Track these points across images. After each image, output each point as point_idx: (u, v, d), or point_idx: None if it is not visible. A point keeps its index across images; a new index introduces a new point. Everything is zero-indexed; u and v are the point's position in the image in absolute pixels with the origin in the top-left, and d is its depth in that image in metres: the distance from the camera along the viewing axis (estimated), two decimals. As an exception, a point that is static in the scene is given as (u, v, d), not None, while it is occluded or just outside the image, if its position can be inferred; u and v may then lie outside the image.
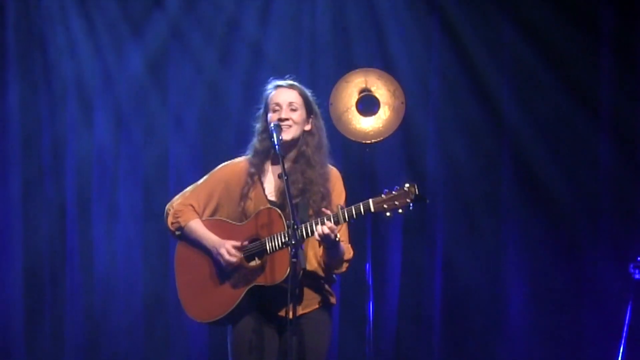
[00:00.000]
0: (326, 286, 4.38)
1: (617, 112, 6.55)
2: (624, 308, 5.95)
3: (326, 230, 4.10)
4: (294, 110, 4.38)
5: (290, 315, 4.03)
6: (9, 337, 6.67)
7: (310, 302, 4.30)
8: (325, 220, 4.12)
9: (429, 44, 6.69)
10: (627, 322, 5.94)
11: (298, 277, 4.11)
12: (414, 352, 6.63)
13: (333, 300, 4.41)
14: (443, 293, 6.64)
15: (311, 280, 4.27)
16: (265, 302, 4.32)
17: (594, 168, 6.57)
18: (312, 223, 4.19)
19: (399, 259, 6.64)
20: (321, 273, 4.35)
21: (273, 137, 4.27)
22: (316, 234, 4.15)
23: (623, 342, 5.94)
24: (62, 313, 6.72)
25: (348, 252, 4.32)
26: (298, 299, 4.17)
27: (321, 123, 4.49)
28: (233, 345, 4.38)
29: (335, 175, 4.47)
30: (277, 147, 4.22)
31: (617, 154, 6.54)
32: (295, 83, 4.49)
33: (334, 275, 4.42)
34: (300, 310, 4.20)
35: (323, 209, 4.20)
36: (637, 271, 5.92)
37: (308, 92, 4.48)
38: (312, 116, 4.46)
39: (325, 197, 4.35)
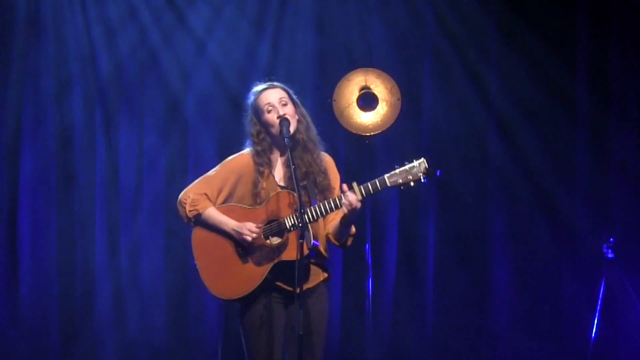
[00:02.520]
0: (324, 264, 4.54)
1: (592, 101, 6.69)
2: (598, 283, 6.24)
3: (354, 200, 4.23)
4: (284, 105, 4.50)
5: (298, 290, 4.22)
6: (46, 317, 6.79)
7: (313, 277, 4.47)
8: (349, 194, 4.25)
9: (422, 45, 6.83)
10: (600, 296, 6.21)
11: (305, 255, 4.27)
12: (409, 324, 6.77)
13: (329, 276, 4.56)
14: (435, 272, 6.77)
15: (315, 258, 4.45)
16: (281, 279, 4.44)
17: (572, 160, 6.71)
18: (335, 199, 4.32)
19: (395, 241, 6.78)
20: (323, 252, 4.50)
21: (282, 131, 4.40)
22: (344, 206, 4.26)
23: (597, 314, 6.22)
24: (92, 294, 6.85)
25: (353, 228, 4.47)
26: (305, 276, 4.37)
27: (304, 110, 4.60)
28: (246, 321, 4.51)
29: (329, 161, 4.61)
30: (286, 139, 4.38)
31: (592, 146, 6.70)
32: (275, 82, 4.59)
33: (326, 254, 4.55)
34: (305, 285, 4.39)
35: (343, 185, 4.32)
36: (609, 251, 6.20)
37: (288, 87, 4.59)
38: (298, 107, 4.57)
39: (325, 175, 4.51)
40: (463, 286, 6.76)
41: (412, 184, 4.26)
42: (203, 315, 6.78)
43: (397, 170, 4.28)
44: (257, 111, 4.54)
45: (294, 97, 4.58)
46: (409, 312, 6.81)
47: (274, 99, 4.51)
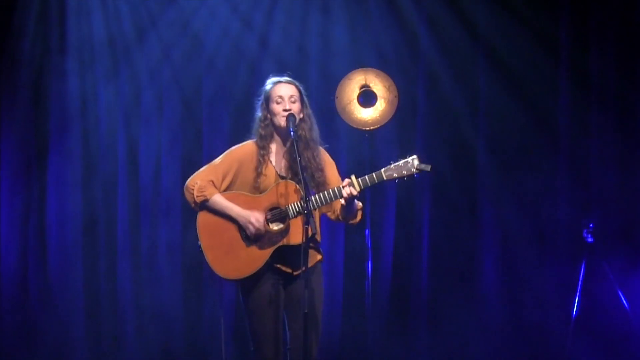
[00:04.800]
0: (318, 247, 4.76)
1: (574, 97, 6.81)
2: (579, 266, 6.44)
3: (354, 192, 4.48)
4: (293, 102, 4.71)
5: (301, 270, 4.44)
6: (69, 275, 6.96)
7: (311, 259, 4.63)
8: (348, 186, 4.48)
9: (417, 49, 6.97)
10: (581, 277, 6.40)
11: (315, 241, 4.57)
12: (405, 303, 6.93)
13: (322, 257, 4.79)
14: (429, 255, 6.91)
15: (312, 242, 4.64)
16: (281, 262, 4.66)
17: (555, 152, 6.84)
18: (334, 190, 4.53)
19: (393, 227, 6.93)
20: (317, 237, 4.70)
21: (289, 125, 4.63)
22: (344, 195, 4.49)
23: (578, 294, 6.40)
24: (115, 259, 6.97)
25: (358, 204, 4.72)
26: (305, 258, 4.48)
27: (310, 111, 4.79)
28: (251, 302, 4.68)
29: (328, 160, 4.83)
30: (292, 132, 4.61)
31: (573, 140, 6.81)
32: (292, 79, 4.79)
33: (319, 238, 4.75)
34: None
35: (345, 179, 4.53)
36: (589, 236, 6.40)
37: (301, 87, 4.80)
38: (305, 106, 4.77)
39: (320, 169, 4.71)
40: (455, 267, 6.93)
41: (405, 178, 4.51)
42: (215, 292, 6.90)
43: (392, 165, 4.52)
44: (268, 99, 4.74)
45: (304, 97, 4.78)
46: (405, 292, 6.95)
47: (285, 94, 4.71)
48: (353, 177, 4.56)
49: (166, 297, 7.00)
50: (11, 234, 6.96)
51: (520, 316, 6.86)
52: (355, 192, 4.53)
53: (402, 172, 4.50)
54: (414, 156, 4.51)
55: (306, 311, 4.38)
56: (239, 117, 6.82)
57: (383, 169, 4.52)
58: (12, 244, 6.96)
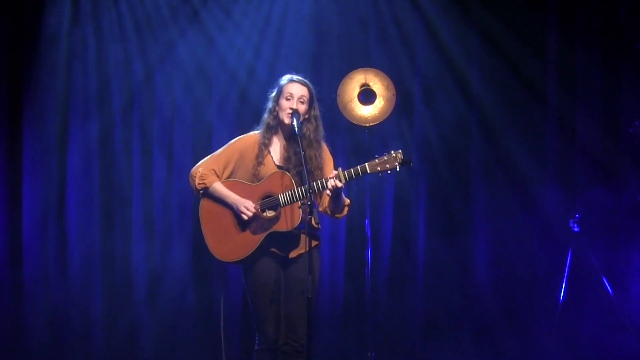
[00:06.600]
0: (316, 233, 4.89)
1: (560, 94, 6.85)
2: (566, 254, 6.56)
3: (339, 184, 4.59)
4: (302, 103, 4.86)
5: (293, 255, 4.66)
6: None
7: (307, 244, 4.68)
8: (335, 178, 4.60)
9: (414, 50, 7.03)
10: (568, 264, 6.53)
11: (312, 228, 4.66)
12: (403, 288, 7.02)
13: (319, 243, 4.92)
14: (425, 244, 6.99)
15: (310, 229, 4.71)
16: (275, 246, 4.80)
17: (543, 146, 6.95)
18: (322, 181, 4.64)
19: (391, 216, 7.01)
20: (314, 224, 4.78)
21: (293, 122, 4.78)
22: (328, 187, 4.59)
23: (565, 280, 6.54)
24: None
25: (346, 200, 4.86)
26: (297, 243, 4.72)
27: (318, 113, 4.93)
28: (253, 283, 4.82)
29: (325, 150, 4.95)
30: (296, 129, 4.76)
31: (560, 135, 6.92)
32: (307, 81, 4.95)
33: (317, 226, 4.84)
34: (299, 251, 4.81)
35: (333, 171, 4.64)
36: (575, 225, 6.52)
37: (313, 90, 4.94)
38: (313, 108, 4.92)
39: (320, 167, 4.84)
40: (449, 256, 7.01)
41: (389, 171, 4.60)
42: (225, 276, 6.97)
43: (376, 160, 4.62)
44: (280, 93, 4.89)
45: (314, 100, 4.93)
46: (402, 278, 7.04)
47: (296, 93, 4.86)
48: (340, 169, 4.68)
49: (178, 277, 7.06)
50: (33, 224, 7.06)
51: (511, 302, 6.96)
52: (339, 184, 4.64)
53: (385, 165, 4.57)
54: (399, 151, 4.58)
55: (309, 296, 4.54)
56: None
57: (367, 163, 4.62)
58: (34, 228, 7.07)
